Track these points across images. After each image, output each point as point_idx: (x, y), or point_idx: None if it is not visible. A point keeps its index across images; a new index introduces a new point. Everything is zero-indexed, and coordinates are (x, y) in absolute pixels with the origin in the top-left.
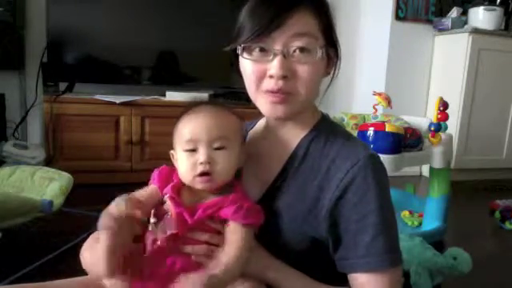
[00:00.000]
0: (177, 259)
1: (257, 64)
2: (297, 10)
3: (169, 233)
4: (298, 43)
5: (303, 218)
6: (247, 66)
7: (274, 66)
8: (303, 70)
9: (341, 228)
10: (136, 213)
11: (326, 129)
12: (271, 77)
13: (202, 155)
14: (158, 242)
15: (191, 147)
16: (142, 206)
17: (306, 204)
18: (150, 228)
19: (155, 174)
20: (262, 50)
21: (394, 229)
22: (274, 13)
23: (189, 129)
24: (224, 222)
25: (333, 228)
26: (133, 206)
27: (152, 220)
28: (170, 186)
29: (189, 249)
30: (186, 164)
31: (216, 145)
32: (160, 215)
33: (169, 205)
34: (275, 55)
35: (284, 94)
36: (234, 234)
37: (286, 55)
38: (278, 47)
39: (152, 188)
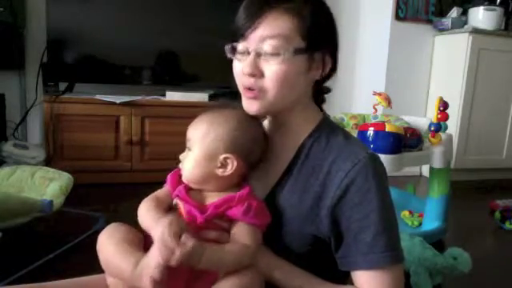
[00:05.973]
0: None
1: (239, 62)
2: (270, 12)
3: None
4: (265, 44)
5: (305, 217)
6: (234, 64)
7: (244, 64)
8: (269, 70)
9: (342, 227)
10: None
11: (327, 129)
12: (244, 74)
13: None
14: None
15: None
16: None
17: (308, 203)
18: None
19: (168, 178)
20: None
21: (395, 227)
22: (249, 15)
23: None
24: (232, 221)
25: (334, 226)
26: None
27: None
28: (180, 188)
29: None
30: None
31: (187, 145)
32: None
33: (179, 206)
34: (248, 54)
35: (256, 90)
36: (240, 232)
37: (258, 55)
38: (251, 47)
39: (167, 189)
